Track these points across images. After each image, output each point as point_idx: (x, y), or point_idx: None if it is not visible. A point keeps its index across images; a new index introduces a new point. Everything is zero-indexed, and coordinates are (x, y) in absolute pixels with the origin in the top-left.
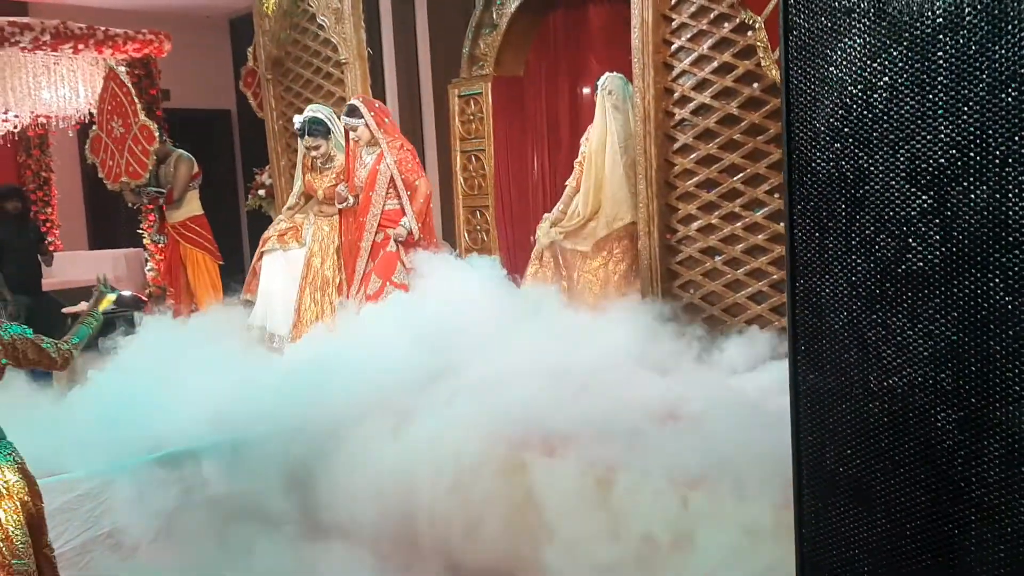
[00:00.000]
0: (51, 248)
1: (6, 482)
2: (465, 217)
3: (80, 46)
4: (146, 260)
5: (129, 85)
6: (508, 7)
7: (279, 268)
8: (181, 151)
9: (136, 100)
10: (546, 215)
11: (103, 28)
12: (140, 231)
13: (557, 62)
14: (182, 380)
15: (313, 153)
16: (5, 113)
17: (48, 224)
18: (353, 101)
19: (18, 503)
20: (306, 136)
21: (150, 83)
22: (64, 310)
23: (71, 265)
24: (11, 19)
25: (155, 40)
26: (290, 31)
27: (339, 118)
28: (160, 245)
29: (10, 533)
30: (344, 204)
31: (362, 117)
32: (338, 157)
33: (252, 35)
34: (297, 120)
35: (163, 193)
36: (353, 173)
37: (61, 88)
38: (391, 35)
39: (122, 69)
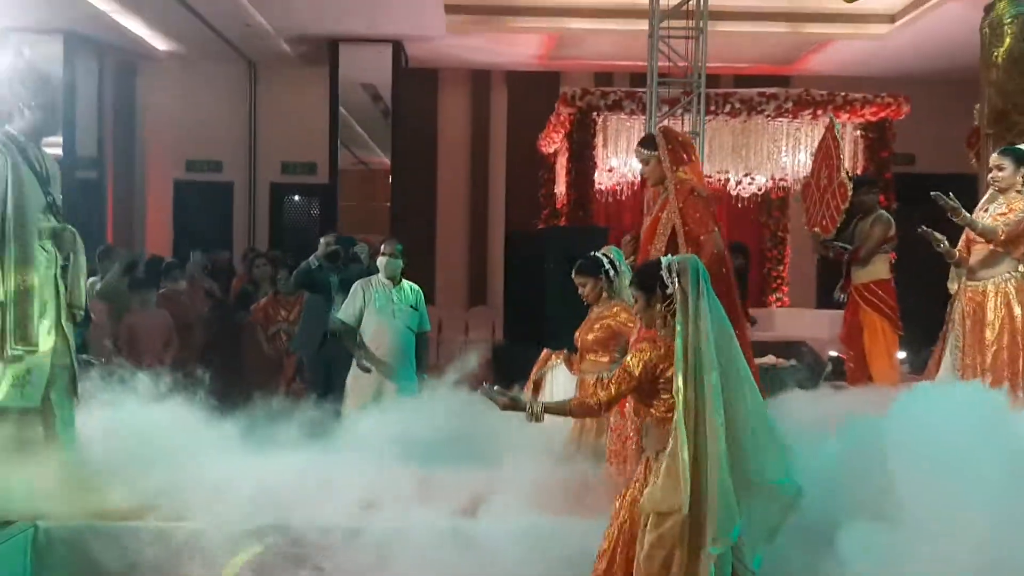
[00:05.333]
0: (778, 304)
1: None
2: None
3: (819, 112)
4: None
5: (840, 140)
6: None
7: None
8: (882, 211)
9: (840, 157)
10: None
11: (842, 94)
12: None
13: None
14: None
15: None
16: (748, 176)
17: (778, 281)
18: (654, 130)
19: None
20: None
21: (882, 145)
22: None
23: (792, 320)
24: (760, 90)
25: (893, 103)
26: (1019, 79)
27: None
28: (843, 303)
29: None
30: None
31: (655, 150)
32: None
33: None
34: None
35: (848, 249)
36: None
37: (798, 153)
38: None
39: (838, 124)
